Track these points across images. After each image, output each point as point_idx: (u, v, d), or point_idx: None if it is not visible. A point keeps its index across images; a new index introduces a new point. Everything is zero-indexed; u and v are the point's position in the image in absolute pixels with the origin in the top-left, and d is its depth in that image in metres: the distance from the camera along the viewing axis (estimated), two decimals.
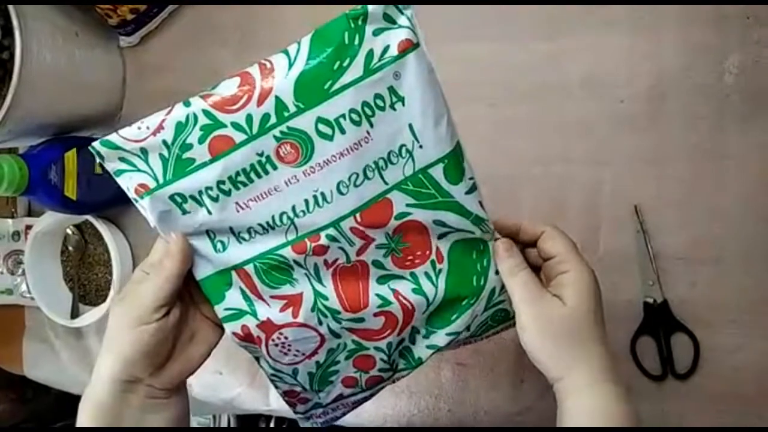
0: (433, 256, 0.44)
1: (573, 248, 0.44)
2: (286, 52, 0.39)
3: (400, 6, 0.39)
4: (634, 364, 0.62)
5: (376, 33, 0.39)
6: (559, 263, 0.44)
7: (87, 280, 0.86)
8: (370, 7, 0.38)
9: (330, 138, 0.39)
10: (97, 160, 0.41)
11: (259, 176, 0.40)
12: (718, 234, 0.59)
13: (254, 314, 0.44)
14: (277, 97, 0.39)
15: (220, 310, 0.44)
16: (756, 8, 0.56)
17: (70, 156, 0.73)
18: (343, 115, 0.39)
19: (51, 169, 0.71)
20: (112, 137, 0.40)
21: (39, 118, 0.71)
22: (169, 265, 0.41)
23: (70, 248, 0.86)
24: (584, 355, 0.41)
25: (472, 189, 0.43)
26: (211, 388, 0.79)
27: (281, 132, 0.39)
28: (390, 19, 0.39)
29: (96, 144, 0.40)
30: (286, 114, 0.39)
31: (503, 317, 0.47)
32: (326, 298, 0.44)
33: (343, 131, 0.39)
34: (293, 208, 0.41)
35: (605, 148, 0.62)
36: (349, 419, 0.58)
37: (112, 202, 0.81)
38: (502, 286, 0.45)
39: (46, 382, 0.91)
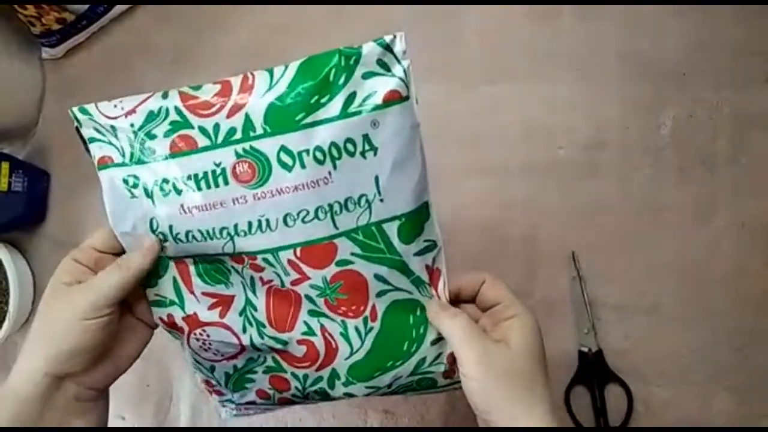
0: (367, 313, 0.42)
1: (514, 295, 0.43)
2: (271, 73, 0.38)
3: (398, 55, 0.38)
4: (568, 414, 0.60)
5: (366, 76, 0.38)
6: (504, 309, 0.42)
7: None
8: (365, 49, 0.37)
9: (289, 169, 0.38)
10: (74, 123, 0.41)
11: (209, 186, 0.39)
12: (653, 284, 0.59)
13: (182, 307, 0.44)
14: (247, 115, 0.38)
15: (150, 294, 0.44)
16: (692, 65, 0.59)
17: None
18: (307, 150, 0.38)
19: None
20: (90, 107, 0.41)
21: None
22: (138, 265, 0.41)
23: None
24: (532, 399, 0.39)
25: (424, 251, 0.42)
26: None
27: (243, 149, 0.38)
28: (384, 66, 0.38)
29: (75, 108, 0.41)
30: (251, 133, 0.38)
31: (430, 385, 0.46)
32: (255, 309, 0.43)
33: (303, 166, 0.38)
34: (235, 227, 0.40)
35: (544, 194, 0.62)
36: None
37: (15, 224, 0.74)
38: (435, 357, 0.44)
39: None
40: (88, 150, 0.42)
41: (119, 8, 0.74)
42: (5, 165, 0.71)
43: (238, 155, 0.38)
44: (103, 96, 0.74)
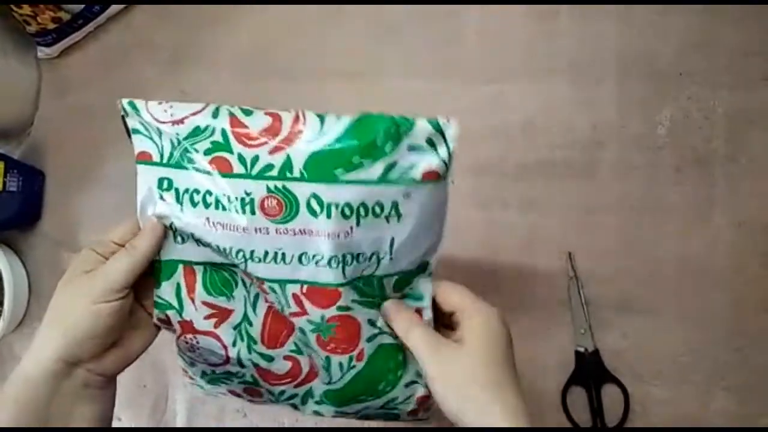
0: (354, 353, 0.43)
1: (471, 296, 0.43)
2: (322, 120, 0.40)
3: (448, 138, 0.39)
4: (564, 415, 0.60)
5: (411, 149, 0.39)
6: (460, 314, 0.43)
7: None
8: (418, 125, 0.39)
9: (315, 215, 0.39)
10: (121, 113, 0.42)
11: (236, 211, 0.40)
12: (651, 284, 0.59)
13: (179, 312, 0.44)
14: (288, 156, 0.39)
15: (155, 293, 0.45)
16: (688, 65, 0.59)
17: None
18: (337, 204, 0.39)
19: None
20: (139, 104, 0.41)
21: None
22: (144, 246, 0.42)
23: None
24: (497, 397, 0.38)
25: (407, 297, 0.44)
26: None
27: (275, 186, 0.39)
28: (432, 144, 0.39)
29: (125, 101, 0.42)
30: (288, 174, 0.39)
31: (393, 417, 0.48)
32: (251, 324, 0.44)
33: (329, 216, 0.39)
34: (251, 252, 0.41)
35: (542, 193, 0.62)
36: None
37: (10, 224, 0.74)
38: (406, 398, 0.45)
39: None
40: (130, 138, 0.43)
41: (115, 7, 0.74)
42: (0, 165, 0.70)
43: (269, 190, 0.39)
44: (99, 95, 0.75)
